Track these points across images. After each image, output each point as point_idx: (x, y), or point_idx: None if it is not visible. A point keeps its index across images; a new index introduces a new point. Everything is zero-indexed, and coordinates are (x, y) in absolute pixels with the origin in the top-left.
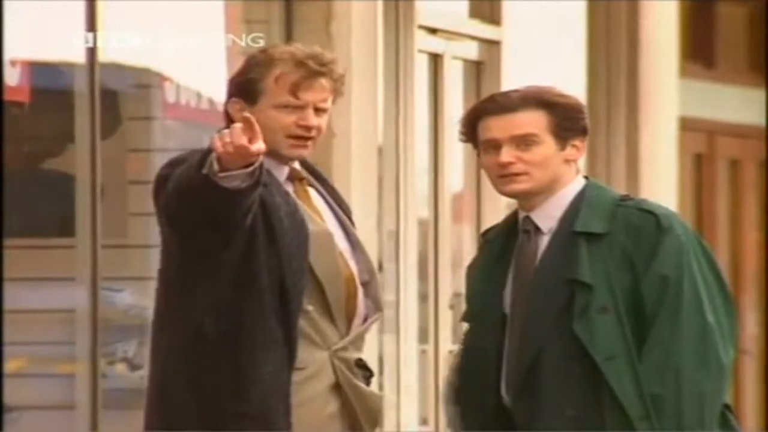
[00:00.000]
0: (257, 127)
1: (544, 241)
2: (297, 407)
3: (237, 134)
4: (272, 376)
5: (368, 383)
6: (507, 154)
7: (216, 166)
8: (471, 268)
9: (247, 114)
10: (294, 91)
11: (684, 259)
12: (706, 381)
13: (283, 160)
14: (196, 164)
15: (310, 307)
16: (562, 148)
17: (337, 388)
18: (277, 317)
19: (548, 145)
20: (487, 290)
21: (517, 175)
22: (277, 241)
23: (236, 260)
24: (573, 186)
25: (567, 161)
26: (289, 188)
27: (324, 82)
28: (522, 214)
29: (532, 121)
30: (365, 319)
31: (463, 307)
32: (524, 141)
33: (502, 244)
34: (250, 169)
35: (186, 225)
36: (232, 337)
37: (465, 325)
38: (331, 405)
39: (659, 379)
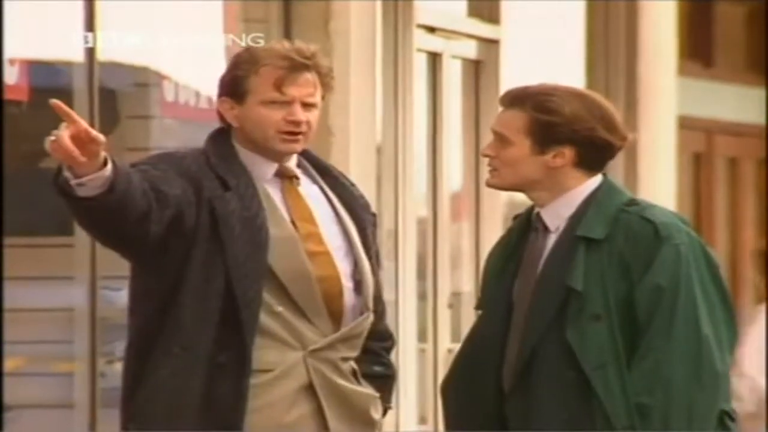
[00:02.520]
0: (82, 126)
1: (551, 240)
2: (252, 413)
3: (61, 135)
4: (162, 381)
5: (385, 373)
6: (488, 147)
7: (66, 173)
8: (490, 256)
9: (57, 103)
10: (278, 86)
11: (681, 269)
12: (697, 394)
13: (275, 156)
14: (54, 175)
15: (279, 308)
16: (540, 153)
17: (311, 388)
18: (224, 323)
19: (521, 147)
20: (499, 280)
21: (492, 169)
22: (225, 250)
23: (174, 267)
24: (586, 186)
25: (550, 168)
26: (275, 186)
27: (309, 76)
28: (535, 210)
29: (509, 122)
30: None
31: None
32: (498, 138)
33: (518, 235)
34: (105, 173)
35: (97, 239)
36: (152, 340)
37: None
38: (300, 407)
39: (648, 389)
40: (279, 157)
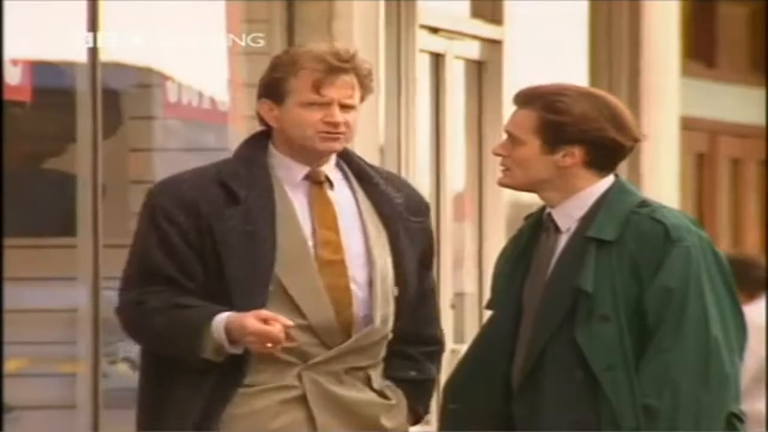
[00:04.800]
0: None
1: (562, 240)
2: (237, 419)
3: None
4: (177, 400)
5: (418, 378)
6: (500, 147)
7: (227, 347)
8: (500, 256)
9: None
10: (317, 88)
11: (691, 271)
12: (704, 396)
13: (313, 157)
14: (190, 346)
15: (290, 322)
16: (550, 152)
17: (303, 399)
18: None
19: (531, 147)
20: (510, 280)
21: (505, 169)
22: (224, 269)
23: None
24: (597, 187)
25: (560, 167)
26: (302, 191)
27: (347, 78)
28: (546, 210)
29: (520, 121)
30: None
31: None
32: (510, 138)
33: (529, 235)
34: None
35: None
36: (162, 359)
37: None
38: (287, 416)
39: (656, 391)
40: (317, 157)
